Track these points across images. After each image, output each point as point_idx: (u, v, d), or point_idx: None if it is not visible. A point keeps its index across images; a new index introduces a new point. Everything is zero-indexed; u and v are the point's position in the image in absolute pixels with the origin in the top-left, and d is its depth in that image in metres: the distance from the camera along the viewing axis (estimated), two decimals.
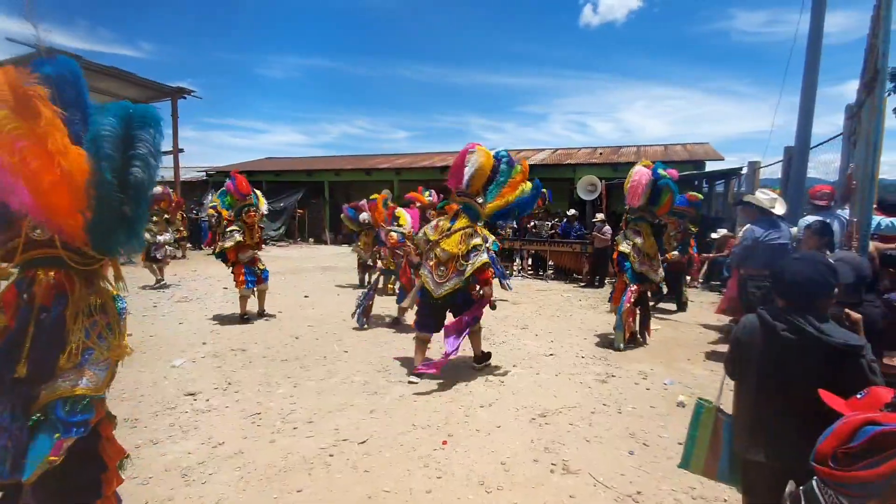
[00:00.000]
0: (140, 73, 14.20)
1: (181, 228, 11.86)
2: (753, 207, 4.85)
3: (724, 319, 6.29)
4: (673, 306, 7.70)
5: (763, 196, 4.89)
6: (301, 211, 19.07)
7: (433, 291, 4.38)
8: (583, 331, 6.27)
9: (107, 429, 1.87)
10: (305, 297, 8.30)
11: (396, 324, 6.44)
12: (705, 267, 9.34)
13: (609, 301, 6.23)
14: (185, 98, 15.79)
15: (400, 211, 6.56)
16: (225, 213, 6.59)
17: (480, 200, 4.58)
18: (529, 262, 11.71)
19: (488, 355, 4.82)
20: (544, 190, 7.11)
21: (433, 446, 3.20)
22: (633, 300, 5.34)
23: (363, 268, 9.46)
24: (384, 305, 7.07)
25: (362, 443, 3.24)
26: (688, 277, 8.22)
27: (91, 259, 1.73)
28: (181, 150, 16.51)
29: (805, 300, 1.73)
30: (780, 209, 4.76)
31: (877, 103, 3.21)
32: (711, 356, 5.25)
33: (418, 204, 7.24)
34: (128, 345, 1.85)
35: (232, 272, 6.47)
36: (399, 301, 6.34)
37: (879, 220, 3.52)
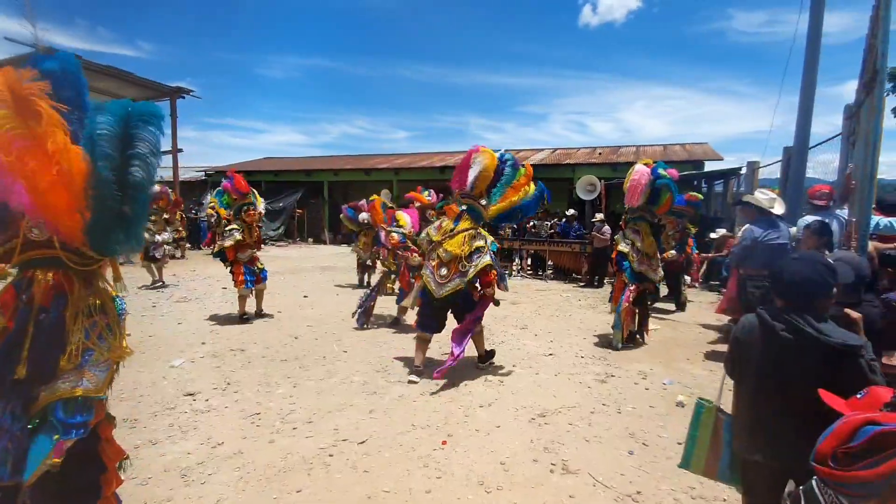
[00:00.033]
0: (139, 72, 14.20)
1: (180, 228, 11.83)
2: (752, 207, 4.85)
3: (724, 319, 6.30)
4: (672, 306, 7.71)
5: (762, 196, 4.90)
6: (300, 211, 19.06)
7: (434, 292, 4.39)
8: (582, 331, 6.27)
9: (106, 430, 1.87)
10: (305, 297, 8.29)
11: (396, 324, 6.44)
12: (704, 267, 9.35)
13: (609, 301, 6.23)
14: (184, 98, 15.76)
15: (400, 214, 6.57)
16: (223, 212, 6.59)
17: (484, 202, 4.61)
18: (529, 261, 11.71)
19: (492, 353, 4.85)
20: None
21: (433, 446, 3.20)
22: (631, 299, 5.35)
23: (362, 268, 9.46)
24: (384, 305, 7.06)
25: (362, 443, 3.24)
26: (688, 278, 8.22)
27: (90, 259, 1.72)
28: (180, 150, 16.47)
29: (803, 300, 1.73)
30: (779, 209, 4.76)
31: (876, 103, 3.21)
32: (710, 356, 5.26)
33: (417, 204, 7.24)
34: (128, 346, 1.84)
35: (231, 271, 6.46)
36: (399, 301, 6.34)
37: (878, 219, 3.53)
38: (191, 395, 3.99)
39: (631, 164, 5.56)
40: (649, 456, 3.13)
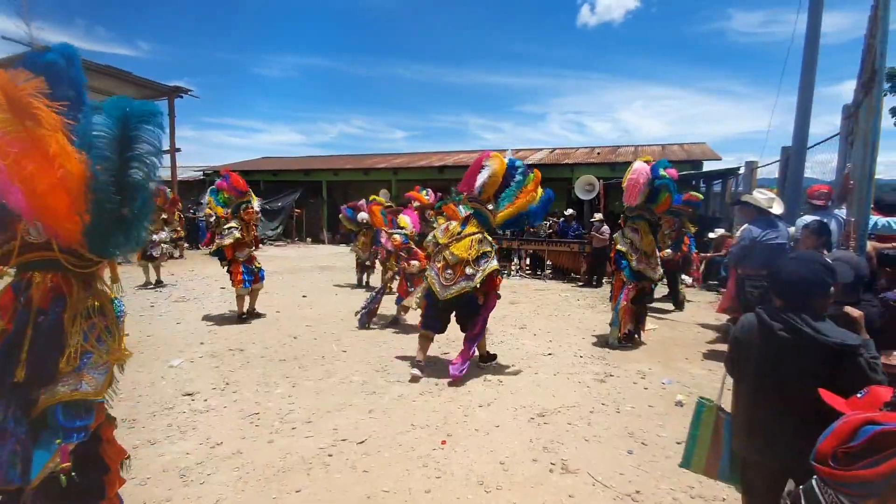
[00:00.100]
0: (137, 72, 14.15)
1: (178, 228, 11.80)
2: (751, 207, 4.85)
3: (723, 319, 6.30)
4: (670, 305, 7.72)
5: (761, 196, 4.90)
6: (299, 211, 19.02)
7: (438, 293, 4.42)
8: (581, 330, 6.28)
9: (107, 431, 1.87)
10: (303, 296, 8.28)
11: (395, 324, 6.44)
12: (703, 266, 9.35)
13: (609, 300, 6.24)
14: (182, 97, 15.72)
15: (400, 216, 6.60)
16: (220, 210, 6.59)
17: (491, 207, 4.64)
18: (527, 261, 11.71)
19: (494, 356, 4.89)
20: None
21: (432, 446, 3.20)
22: (630, 298, 5.36)
23: (361, 267, 9.45)
24: (383, 305, 7.04)
25: (361, 443, 3.23)
26: (689, 278, 8.22)
27: (88, 262, 1.71)
28: (178, 150, 16.45)
29: (800, 300, 1.74)
30: (777, 209, 4.77)
31: (874, 103, 3.21)
32: (709, 356, 5.27)
33: (416, 203, 7.25)
34: (126, 348, 1.83)
35: (228, 271, 6.46)
36: (398, 301, 6.35)
37: (876, 219, 3.53)
38: (189, 395, 3.98)
39: (629, 164, 5.55)
40: (648, 455, 3.13)
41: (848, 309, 1.92)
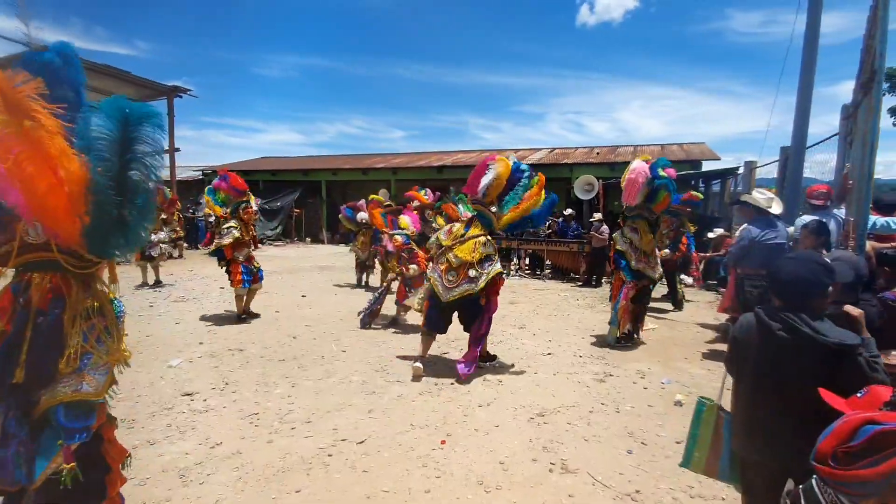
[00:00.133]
0: (136, 71, 14.14)
1: (178, 228, 11.79)
2: (750, 207, 4.86)
3: (722, 318, 6.31)
4: (669, 305, 7.72)
5: (760, 196, 4.91)
6: (298, 210, 19.01)
7: (441, 295, 4.43)
8: (580, 330, 6.28)
9: (108, 431, 1.87)
10: (303, 296, 8.27)
11: (395, 324, 6.44)
12: (702, 266, 9.35)
13: (609, 300, 6.24)
14: (181, 97, 15.70)
15: (401, 217, 6.60)
16: (219, 210, 6.59)
17: (494, 210, 4.65)
18: (527, 261, 11.71)
19: (494, 356, 4.90)
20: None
21: (432, 446, 3.20)
22: (629, 297, 5.36)
23: (361, 267, 9.45)
24: (384, 305, 7.04)
25: (361, 443, 3.23)
26: (689, 278, 8.22)
27: (88, 262, 1.70)
28: (177, 150, 16.44)
29: (799, 299, 1.74)
30: (776, 209, 4.77)
31: (873, 103, 3.21)
32: (708, 355, 5.27)
33: (416, 203, 7.25)
34: (126, 349, 1.83)
35: (228, 270, 6.45)
36: (398, 302, 6.34)
37: (875, 219, 3.54)
38: (189, 395, 3.98)
39: (628, 164, 5.55)
40: (648, 455, 3.14)
41: (848, 308, 1.92)
